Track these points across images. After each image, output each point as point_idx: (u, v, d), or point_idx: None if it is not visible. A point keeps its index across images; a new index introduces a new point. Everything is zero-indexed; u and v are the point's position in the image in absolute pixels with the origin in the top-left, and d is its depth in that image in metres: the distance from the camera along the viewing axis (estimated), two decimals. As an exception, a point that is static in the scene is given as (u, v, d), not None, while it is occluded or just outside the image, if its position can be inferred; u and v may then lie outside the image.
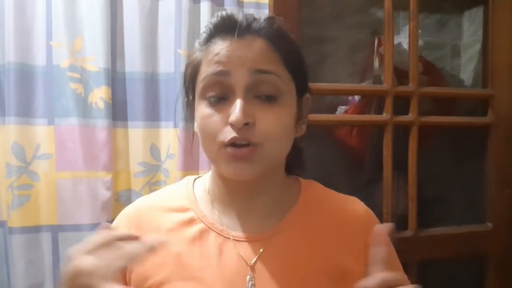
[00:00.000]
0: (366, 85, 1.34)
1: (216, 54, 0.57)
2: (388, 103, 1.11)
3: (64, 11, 1.06)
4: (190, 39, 1.12)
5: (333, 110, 1.38)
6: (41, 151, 1.06)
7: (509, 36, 1.18)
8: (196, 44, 0.63)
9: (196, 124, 0.66)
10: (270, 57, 0.58)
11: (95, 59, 1.07)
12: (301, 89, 0.63)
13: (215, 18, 0.60)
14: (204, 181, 0.68)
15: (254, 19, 0.59)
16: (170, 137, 1.13)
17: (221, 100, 0.57)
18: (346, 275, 0.62)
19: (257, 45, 0.57)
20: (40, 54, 1.06)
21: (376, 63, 1.33)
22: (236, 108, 0.54)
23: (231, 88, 0.56)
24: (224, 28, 0.58)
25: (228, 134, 0.55)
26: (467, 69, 1.57)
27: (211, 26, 0.60)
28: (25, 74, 1.05)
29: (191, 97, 0.64)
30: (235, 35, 0.57)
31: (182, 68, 1.11)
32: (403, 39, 1.30)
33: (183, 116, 1.09)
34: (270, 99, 0.57)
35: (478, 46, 1.47)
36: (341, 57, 1.45)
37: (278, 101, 0.58)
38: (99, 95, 1.07)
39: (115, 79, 1.12)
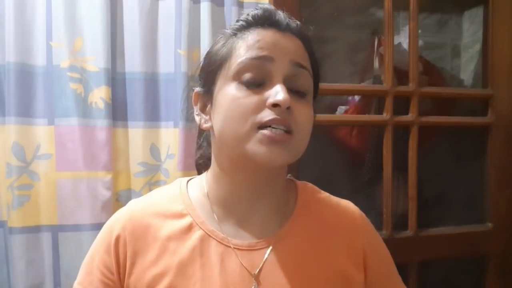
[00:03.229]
0: (366, 85, 1.34)
1: (259, 40, 0.58)
2: (388, 103, 1.11)
3: (64, 11, 1.06)
4: (190, 39, 1.12)
5: (333, 110, 1.38)
6: (41, 151, 1.06)
7: (509, 36, 1.18)
8: (227, 31, 0.62)
9: (210, 116, 0.62)
10: (305, 55, 0.61)
11: (95, 59, 1.07)
12: (315, 96, 0.65)
13: (256, 10, 0.61)
14: (201, 183, 0.66)
15: (291, 19, 0.62)
16: (170, 137, 1.13)
17: (256, 84, 0.57)
18: (347, 281, 0.62)
19: (296, 42, 0.60)
20: (40, 54, 1.06)
21: (376, 63, 1.33)
22: (281, 90, 0.55)
23: (269, 74, 0.57)
24: (265, 20, 0.60)
25: (269, 115, 0.55)
26: (467, 69, 1.57)
27: (249, 17, 0.61)
28: (25, 74, 1.04)
29: (208, 86, 0.62)
30: (275, 28, 0.59)
31: (182, 68, 1.11)
32: (403, 39, 1.30)
33: (183, 115, 1.09)
34: (300, 94, 0.59)
35: (478, 46, 1.47)
36: (341, 57, 1.45)
37: (307, 98, 0.60)
38: (99, 95, 1.07)
39: (115, 79, 1.11)
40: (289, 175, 0.71)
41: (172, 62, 1.13)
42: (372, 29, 1.40)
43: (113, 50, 1.10)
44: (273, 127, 0.54)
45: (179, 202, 0.64)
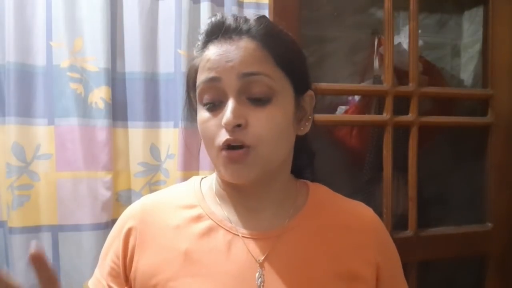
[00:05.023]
0: (366, 85, 1.34)
1: (208, 60, 0.58)
2: (388, 103, 1.11)
3: (64, 11, 1.06)
4: (190, 39, 1.12)
5: (333, 110, 1.38)
6: (41, 151, 1.06)
7: (509, 36, 1.18)
8: (194, 50, 0.63)
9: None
10: (259, 57, 0.58)
11: (95, 59, 1.07)
12: (300, 87, 0.63)
13: (207, 25, 0.61)
14: (211, 182, 0.68)
15: (244, 20, 0.60)
16: (170, 137, 1.13)
17: (217, 105, 0.58)
18: (355, 279, 0.62)
19: (245, 47, 0.57)
20: (40, 54, 1.06)
21: (376, 63, 1.33)
22: (227, 110, 0.56)
23: (223, 93, 0.57)
24: (214, 33, 0.59)
25: (223, 137, 0.56)
26: (467, 69, 1.56)
27: (204, 33, 0.61)
28: (25, 74, 1.05)
29: (193, 100, 0.64)
30: (224, 38, 0.58)
31: (182, 68, 1.11)
32: (403, 39, 1.30)
33: (184, 115, 1.09)
34: (262, 100, 0.57)
35: (478, 46, 1.47)
36: (341, 57, 1.45)
37: (271, 101, 0.58)
38: (99, 95, 1.07)
39: (115, 79, 1.12)
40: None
41: (172, 62, 1.13)
42: (372, 29, 1.40)
43: (113, 50, 1.10)
44: (229, 147, 0.56)
45: (191, 195, 0.66)
